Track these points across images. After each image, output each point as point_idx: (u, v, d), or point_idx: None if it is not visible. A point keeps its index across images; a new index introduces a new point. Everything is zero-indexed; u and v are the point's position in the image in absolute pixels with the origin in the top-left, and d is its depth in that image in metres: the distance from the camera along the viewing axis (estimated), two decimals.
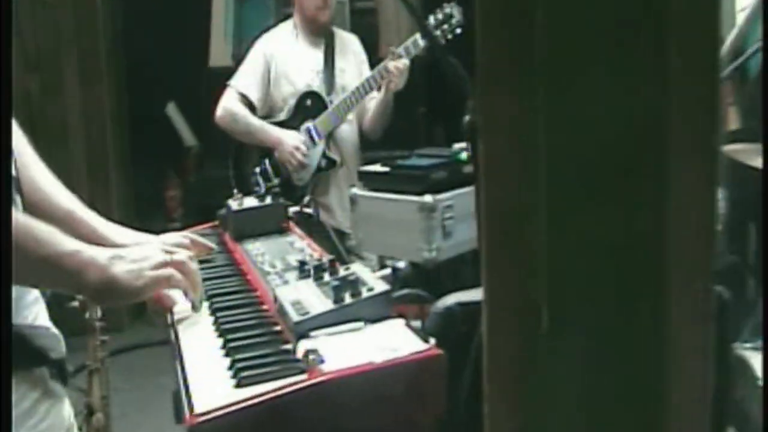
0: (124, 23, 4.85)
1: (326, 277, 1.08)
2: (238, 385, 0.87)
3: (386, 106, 2.85)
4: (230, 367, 0.92)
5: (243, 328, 1.03)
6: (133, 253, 1.08)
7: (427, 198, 2.28)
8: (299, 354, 0.92)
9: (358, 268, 1.09)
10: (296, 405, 0.83)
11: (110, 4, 4.64)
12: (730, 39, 3.56)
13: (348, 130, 2.98)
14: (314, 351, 0.90)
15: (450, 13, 2.71)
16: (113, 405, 2.26)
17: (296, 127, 2.90)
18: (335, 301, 0.98)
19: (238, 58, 4.77)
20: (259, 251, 1.40)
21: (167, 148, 5.01)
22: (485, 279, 0.82)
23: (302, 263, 1.18)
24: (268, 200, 1.54)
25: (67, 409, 1.13)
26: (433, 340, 0.89)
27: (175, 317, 1.14)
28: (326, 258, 1.13)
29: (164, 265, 1.09)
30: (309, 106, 2.89)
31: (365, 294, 0.99)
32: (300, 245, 1.41)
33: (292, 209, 1.58)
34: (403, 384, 0.86)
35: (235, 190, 1.59)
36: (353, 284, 0.99)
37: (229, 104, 2.95)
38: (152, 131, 4.91)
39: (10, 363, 0.98)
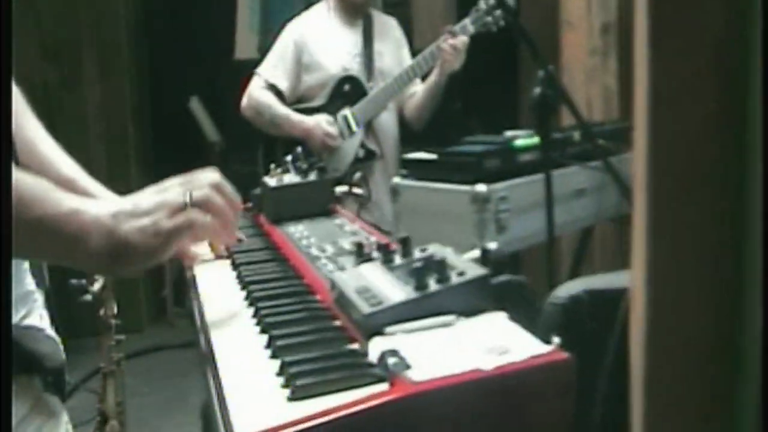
0: (145, 13, 4.66)
1: (398, 259, 0.85)
2: (294, 398, 0.63)
3: (438, 89, 2.62)
4: (280, 372, 0.68)
5: (293, 323, 0.80)
6: (143, 202, 0.84)
7: (480, 187, 2.04)
8: (373, 356, 0.69)
9: (438, 249, 0.85)
10: (377, 426, 0.59)
11: None
12: None
13: (388, 120, 2.75)
14: (394, 352, 0.67)
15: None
16: (131, 410, 2.04)
17: (332, 114, 2.68)
18: (417, 288, 0.74)
19: (265, 51, 4.61)
20: (302, 234, 1.17)
21: (190, 144, 4.81)
22: (649, 249, 0.58)
23: (359, 246, 0.95)
24: (312, 176, 1.31)
25: (64, 428, 0.91)
26: (556, 340, 0.65)
27: (205, 312, 0.91)
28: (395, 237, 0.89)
29: (182, 206, 0.85)
30: (347, 91, 2.67)
31: (455, 279, 0.75)
32: (351, 228, 1.18)
33: (339, 189, 1.35)
34: (521, 398, 0.62)
35: (273, 165, 1.36)
36: (439, 267, 0.75)
37: (255, 94, 2.74)
38: (175, 126, 4.72)
39: (11, 363, 0.76)
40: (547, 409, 0.64)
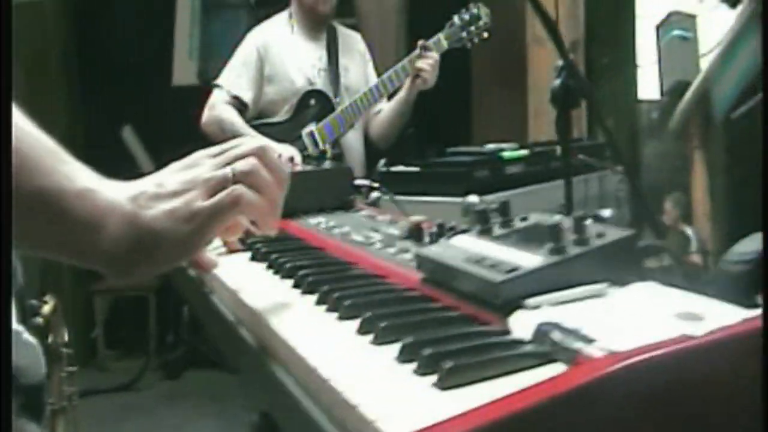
0: (77, 37, 4.39)
1: (497, 229, 0.69)
2: (446, 385, 0.46)
3: (407, 107, 2.47)
4: (405, 357, 0.51)
5: (381, 304, 0.63)
6: (168, 181, 0.65)
7: (473, 198, 1.90)
8: (520, 332, 0.53)
9: (543, 217, 0.70)
10: (583, 409, 0.43)
11: (62, 14, 4.20)
12: (695, 84, 3.46)
13: (354, 138, 2.59)
14: (556, 325, 0.51)
15: (477, 14, 2.43)
16: None
17: (297, 130, 2.49)
18: (554, 252, 0.59)
19: (205, 77, 4.40)
20: (329, 224, 1.00)
21: (126, 175, 4.51)
22: None
23: (418, 227, 0.80)
24: (327, 164, 1.14)
25: None
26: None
27: (247, 303, 0.73)
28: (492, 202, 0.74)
29: (224, 182, 0.65)
30: (313, 106, 2.49)
31: (597, 242, 0.60)
32: (385, 218, 1.02)
33: (358, 182, 1.19)
34: (735, 366, 0.48)
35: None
36: (577, 228, 0.60)
37: (217, 109, 2.50)
38: (110, 156, 4.42)
39: (10, 364, 0.56)
40: (753, 378, 0.49)
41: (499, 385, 0.46)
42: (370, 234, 0.90)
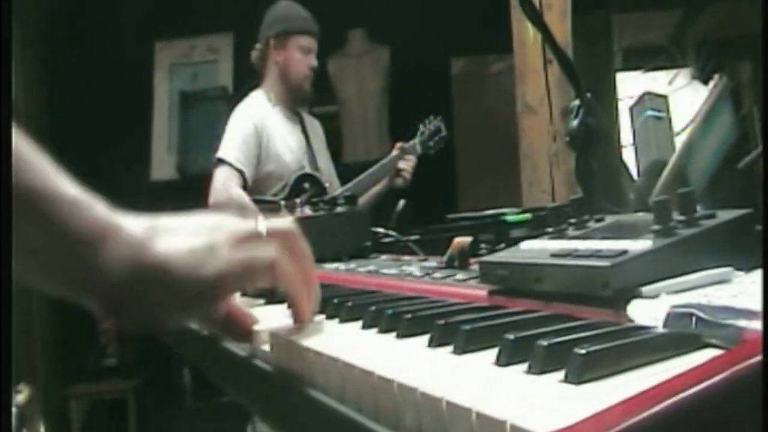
0: (51, 133, 4.32)
1: (572, 231, 0.59)
2: (581, 378, 0.34)
3: (380, 198, 2.54)
4: (508, 360, 0.39)
5: (447, 315, 0.51)
6: (187, 222, 0.53)
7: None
8: (646, 320, 0.42)
9: (622, 216, 0.60)
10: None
11: (37, 105, 4.14)
12: (672, 161, 3.49)
13: None
14: (697, 307, 0.40)
15: (438, 127, 2.65)
16: None
17: (290, 211, 2.39)
18: (661, 234, 0.48)
19: (184, 171, 4.32)
20: (350, 267, 0.88)
21: None
22: None
23: (462, 251, 0.70)
24: (340, 209, 1.04)
25: None
26: None
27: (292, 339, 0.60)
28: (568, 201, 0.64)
29: (256, 236, 0.54)
30: (307, 189, 2.44)
31: (707, 223, 0.50)
32: (411, 258, 0.92)
33: (376, 229, 1.09)
34: None
35: (283, 202, 1.09)
36: (683, 208, 0.50)
37: (230, 191, 2.36)
38: None
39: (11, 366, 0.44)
40: None
41: (644, 376, 0.35)
42: (402, 268, 0.79)
